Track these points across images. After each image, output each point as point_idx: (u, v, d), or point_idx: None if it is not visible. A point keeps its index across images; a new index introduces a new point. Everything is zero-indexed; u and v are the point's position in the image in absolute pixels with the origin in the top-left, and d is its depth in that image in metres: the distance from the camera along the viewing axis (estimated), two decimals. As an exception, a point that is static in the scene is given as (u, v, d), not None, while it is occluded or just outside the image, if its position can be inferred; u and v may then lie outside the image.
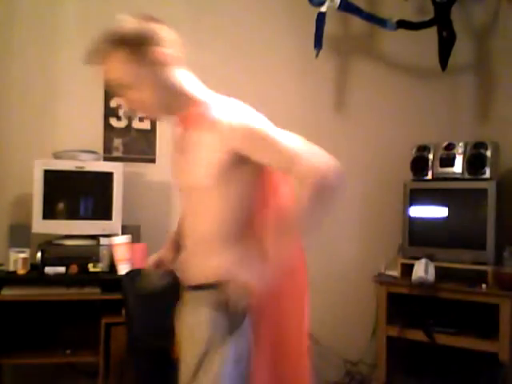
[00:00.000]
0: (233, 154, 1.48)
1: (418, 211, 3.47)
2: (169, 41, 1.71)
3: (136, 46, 1.58)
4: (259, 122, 1.53)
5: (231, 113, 1.55)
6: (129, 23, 1.68)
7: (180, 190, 1.66)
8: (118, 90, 1.58)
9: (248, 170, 1.53)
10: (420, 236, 3.47)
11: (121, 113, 3.56)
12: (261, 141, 1.47)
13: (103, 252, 3.14)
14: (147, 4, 3.64)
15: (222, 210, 1.52)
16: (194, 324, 1.58)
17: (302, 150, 1.46)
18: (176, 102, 1.60)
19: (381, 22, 3.59)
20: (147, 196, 3.57)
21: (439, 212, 3.43)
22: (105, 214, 3.22)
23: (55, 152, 3.25)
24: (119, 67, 1.58)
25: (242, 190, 1.53)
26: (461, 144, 3.41)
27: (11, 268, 3.05)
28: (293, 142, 1.48)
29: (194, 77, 1.70)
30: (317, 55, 3.45)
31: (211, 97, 1.64)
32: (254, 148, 1.48)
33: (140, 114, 1.65)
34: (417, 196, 3.50)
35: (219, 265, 1.53)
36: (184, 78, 1.65)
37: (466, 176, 3.34)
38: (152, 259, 1.91)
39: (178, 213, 3.71)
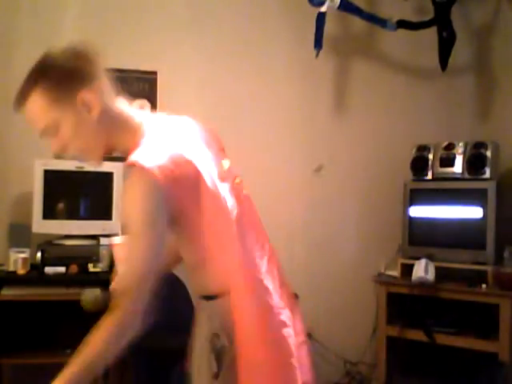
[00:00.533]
0: None
1: (418, 211, 3.47)
2: (89, 75, 1.51)
3: (64, 93, 1.42)
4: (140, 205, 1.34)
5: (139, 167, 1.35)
6: (54, 69, 1.48)
7: None
8: (51, 132, 1.43)
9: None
10: (420, 236, 3.47)
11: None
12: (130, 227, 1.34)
13: (103, 252, 3.14)
14: (146, 5, 3.65)
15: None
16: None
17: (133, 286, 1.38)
18: (111, 141, 1.51)
19: (381, 22, 3.59)
20: (147, 196, 3.57)
21: (439, 212, 3.43)
22: (105, 213, 3.22)
23: (55, 152, 3.24)
24: (42, 114, 1.42)
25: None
26: (461, 144, 3.41)
27: (11, 268, 3.04)
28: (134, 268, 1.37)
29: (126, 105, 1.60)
30: (317, 55, 3.45)
31: (143, 131, 1.50)
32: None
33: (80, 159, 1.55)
34: (417, 196, 3.50)
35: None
36: (115, 115, 1.54)
37: (466, 176, 3.35)
38: None
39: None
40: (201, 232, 1.45)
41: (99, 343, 1.40)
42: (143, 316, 1.40)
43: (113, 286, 1.49)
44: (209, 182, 1.45)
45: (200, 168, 1.43)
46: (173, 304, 2.84)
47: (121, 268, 1.44)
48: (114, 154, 1.60)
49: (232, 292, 1.44)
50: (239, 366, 1.42)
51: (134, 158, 1.35)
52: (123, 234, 1.43)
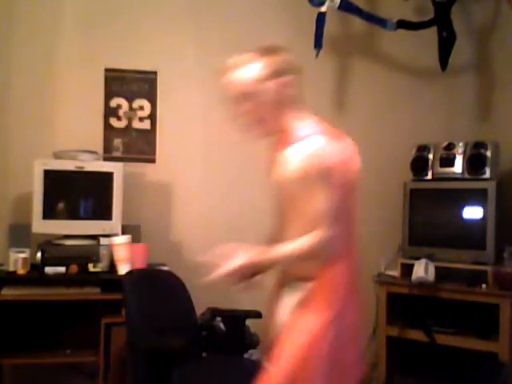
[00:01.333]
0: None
1: (418, 211, 3.47)
2: (294, 69, 1.83)
3: (274, 72, 1.77)
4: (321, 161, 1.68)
5: (308, 143, 1.70)
6: (277, 56, 1.83)
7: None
8: (239, 100, 1.75)
9: None
10: (420, 236, 3.47)
11: (121, 113, 3.57)
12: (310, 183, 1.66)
13: (103, 252, 3.14)
14: (146, 5, 3.65)
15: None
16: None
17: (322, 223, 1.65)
18: (282, 124, 1.78)
19: (381, 22, 3.59)
20: (147, 196, 3.57)
21: (439, 212, 3.43)
22: (105, 214, 3.22)
23: (55, 152, 3.25)
24: (254, 80, 1.75)
25: None
26: (461, 144, 3.41)
27: (11, 268, 3.04)
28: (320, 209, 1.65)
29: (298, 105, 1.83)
30: (317, 55, 3.45)
31: (305, 123, 1.80)
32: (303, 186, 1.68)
33: (246, 127, 1.80)
34: (417, 196, 3.50)
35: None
36: (295, 104, 1.81)
37: (466, 176, 3.34)
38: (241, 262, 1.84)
39: (177, 213, 3.72)
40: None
41: (298, 248, 1.67)
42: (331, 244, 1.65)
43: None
44: (354, 181, 1.77)
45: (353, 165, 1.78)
46: (173, 305, 2.85)
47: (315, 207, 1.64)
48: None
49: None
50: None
51: (310, 137, 1.68)
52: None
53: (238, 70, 1.76)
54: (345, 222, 1.74)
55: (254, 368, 2.62)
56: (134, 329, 2.58)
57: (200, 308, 3.02)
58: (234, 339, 2.99)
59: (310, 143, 1.68)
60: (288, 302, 1.79)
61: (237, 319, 3.00)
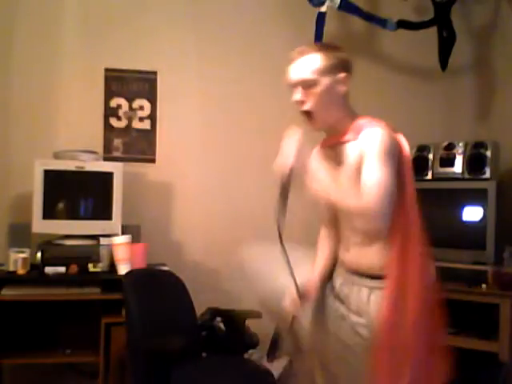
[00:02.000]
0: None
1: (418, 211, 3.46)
2: (351, 69, 1.96)
3: (333, 67, 1.86)
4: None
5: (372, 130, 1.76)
6: (337, 52, 1.92)
7: None
8: (300, 85, 1.81)
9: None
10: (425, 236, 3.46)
11: (121, 113, 3.57)
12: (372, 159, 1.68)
13: (103, 252, 3.14)
14: (146, 5, 3.65)
15: None
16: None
17: (377, 192, 1.64)
18: (336, 119, 1.86)
19: (381, 22, 3.59)
20: (147, 196, 3.57)
21: (439, 212, 3.43)
22: (105, 213, 3.22)
23: (55, 152, 3.25)
24: (316, 69, 1.82)
25: None
26: (461, 144, 3.41)
27: (11, 268, 3.04)
28: (380, 180, 1.65)
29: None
30: (317, 55, 3.45)
31: (360, 117, 1.88)
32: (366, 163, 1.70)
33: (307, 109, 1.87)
34: (417, 196, 3.49)
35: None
36: (348, 102, 1.93)
37: (466, 176, 3.34)
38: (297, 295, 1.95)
39: (177, 213, 3.72)
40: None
41: (348, 199, 1.68)
42: (381, 220, 1.64)
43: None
44: (410, 171, 1.81)
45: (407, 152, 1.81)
46: (173, 305, 2.85)
47: (369, 188, 1.64)
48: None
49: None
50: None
51: (372, 126, 1.74)
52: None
53: (301, 59, 1.84)
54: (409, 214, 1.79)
55: (254, 368, 2.64)
56: (133, 329, 2.59)
57: (200, 308, 3.02)
58: (233, 339, 2.99)
59: (380, 130, 1.73)
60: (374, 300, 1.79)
61: (237, 319, 3.00)
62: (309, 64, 1.82)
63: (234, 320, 3.00)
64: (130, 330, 2.60)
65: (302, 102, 1.84)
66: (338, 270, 1.98)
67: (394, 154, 1.71)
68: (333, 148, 1.86)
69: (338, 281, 1.95)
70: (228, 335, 3.00)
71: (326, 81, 1.81)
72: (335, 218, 1.95)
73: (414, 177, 1.84)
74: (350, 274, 1.89)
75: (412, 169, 1.83)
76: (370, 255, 1.81)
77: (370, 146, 1.69)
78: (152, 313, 2.66)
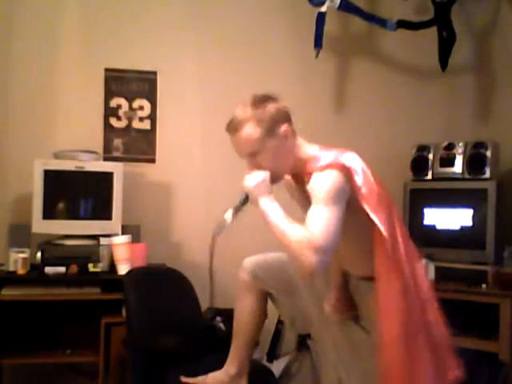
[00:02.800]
0: None
1: (418, 211, 3.47)
2: (288, 115, 1.90)
3: (271, 126, 1.82)
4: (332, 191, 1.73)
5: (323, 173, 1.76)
6: (267, 107, 1.86)
7: None
8: (248, 157, 1.85)
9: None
10: (420, 236, 3.46)
11: (121, 113, 3.57)
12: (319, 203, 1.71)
13: (103, 252, 3.14)
14: (146, 5, 3.65)
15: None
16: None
17: (319, 240, 1.64)
18: (294, 164, 1.87)
19: (381, 22, 3.59)
20: (147, 196, 3.57)
21: (439, 212, 3.43)
22: (105, 213, 3.22)
23: (55, 152, 3.25)
24: (254, 140, 1.81)
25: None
26: (461, 144, 3.41)
27: (11, 268, 3.04)
28: (324, 226, 1.67)
29: (300, 139, 1.93)
30: (317, 55, 3.45)
31: (316, 152, 1.88)
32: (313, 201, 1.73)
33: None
34: (417, 196, 3.50)
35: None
36: (298, 145, 1.89)
37: (466, 176, 3.34)
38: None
39: (177, 213, 3.72)
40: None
41: (290, 238, 1.68)
42: (321, 265, 1.64)
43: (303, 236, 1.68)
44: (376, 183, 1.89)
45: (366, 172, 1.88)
46: (176, 303, 2.86)
47: (313, 225, 1.67)
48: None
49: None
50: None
51: (324, 164, 1.77)
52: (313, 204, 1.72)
53: (238, 134, 1.82)
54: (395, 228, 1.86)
55: (255, 366, 2.64)
56: (132, 327, 2.60)
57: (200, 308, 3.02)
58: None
59: (329, 175, 1.75)
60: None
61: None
62: (246, 137, 1.81)
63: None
64: (129, 327, 2.61)
65: (260, 167, 1.85)
66: None
67: (340, 197, 1.72)
68: (298, 188, 1.92)
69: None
70: (228, 335, 3.00)
71: (269, 144, 1.81)
72: None
73: (382, 188, 1.96)
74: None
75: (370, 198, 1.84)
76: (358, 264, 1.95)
77: (315, 190, 1.72)
78: (152, 311, 2.67)
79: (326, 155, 1.83)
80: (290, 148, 1.85)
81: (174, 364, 2.49)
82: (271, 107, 1.84)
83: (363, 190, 1.79)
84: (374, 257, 1.80)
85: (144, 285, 2.77)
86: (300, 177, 1.87)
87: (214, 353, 2.90)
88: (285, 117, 1.86)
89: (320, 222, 1.66)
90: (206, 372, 2.40)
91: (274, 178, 1.84)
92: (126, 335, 2.66)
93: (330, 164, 1.76)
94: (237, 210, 1.86)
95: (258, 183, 1.79)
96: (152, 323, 2.62)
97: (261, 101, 1.86)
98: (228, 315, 3.04)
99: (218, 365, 2.55)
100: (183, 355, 2.55)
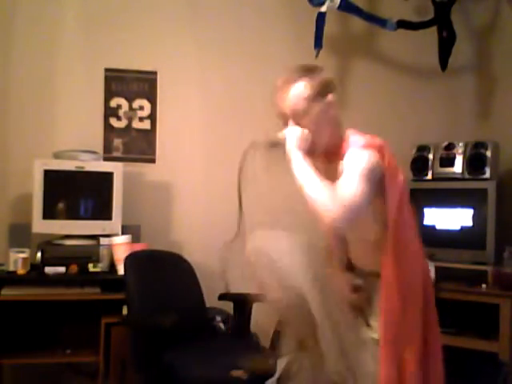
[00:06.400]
0: None
1: (418, 211, 3.47)
2: (335, 88, 1.94)
3: (321, 91, 1.86)
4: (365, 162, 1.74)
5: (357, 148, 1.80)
6: (318, 74, 1.93)
7: None
8: (295, 116, 1.83)
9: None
10: (420, 236, 3.46)
11: (121, 113, 3.57)
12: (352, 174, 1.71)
13: (103, 252, 3.14)
14: (146, 5, 3.65)
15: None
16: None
17: (347, 198, 1.65)
18: (332, 139, 1.87)
19: (381, 22, 3.59)
20: (147, 196, 3.57)
21: (439, 212, 3.43)
22: (105, 213, 3.22)
23: (55, 152, 3.25)
24: (303, 99, 1.83)
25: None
26: (461, 144, 3.41)
27: (11, 268, 3.04)
28: (353, 192, 1.66)
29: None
30: (317, 55, 3.45)
31: (351, 133, 1.92)
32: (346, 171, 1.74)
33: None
34: (417, 196, 3.49)
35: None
36: (337, 121, 1.92)
37: (466, 176, 3.34)
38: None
39: (177, 213, 3.71)
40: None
41: (316, 192, 1.68)
42: (342, 221, 1.63)
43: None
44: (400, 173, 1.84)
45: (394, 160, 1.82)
46: (176, 285, 2.92)
47: (343, 188, 1.67)
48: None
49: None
50: None
51: (362, 143, 1.80)
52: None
53: (288, 90, 1.85)
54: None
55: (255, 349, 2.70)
56: (131, 306, 2.70)
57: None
58: (241, 322, 3.03)
59: (366, 154, 1.77)
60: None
61: (244, 303, 3.02)
62: (297, 93, 1.83)
63: (242, 303, 3.02)
64: (129, 307, 2.72)
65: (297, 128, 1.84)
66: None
67: (373, 177, 1.71)
68: (325, 165, 1.89)
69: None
70: (237, 319, 3.08)
71: (317, 107, 1.83)
72: None
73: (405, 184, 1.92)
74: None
75: (398, 178, 1.86)
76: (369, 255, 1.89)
77: (351, 162, 1.74)
78: (152, 291, 2.77)
79: (361, 137, 1.87)
80: (332, 119, 1.87)
81: (173, 345, 2.53)
82: (322, 75, 1.90)
83: (391, 172, 1.80)
84: (382, 248, 1.80)
85: (144, 266, 2.85)
86: (334, 155, 1.85)
87: (213, 341, 2.95)
88: (332, 87, 1.90)
89: (350, 187, 1.65)
90: (202, 356, 2.48)
91: (311, 148, 1.82)
92: (127, 314, 2.75)
93: (368, 144, 1.80)
94: (272, 145, 1.86)
95: (298, 136, 1.79)
96: (151, 303, 2.71)
97: (313, 68, 1.92)
98: (236, 299, 3.06)
99: (216, 352, 2.61)
100: (182, 337, 2.60)
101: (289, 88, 1.84)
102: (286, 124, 1.86)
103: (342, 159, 1.80)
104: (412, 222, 1.93)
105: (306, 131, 1.80)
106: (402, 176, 1.86)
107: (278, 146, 1.81)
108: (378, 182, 1.73)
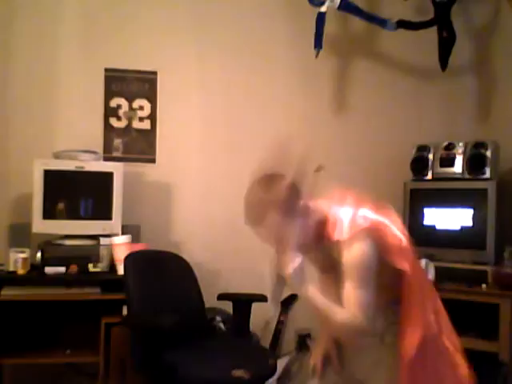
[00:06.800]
0: None
1: (418, 211, 3.47)
2: (299, 189, 1.83)
3: (289, 207, 1.79)
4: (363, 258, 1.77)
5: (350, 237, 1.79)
6: (278, 189, 1.80)
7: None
8: (275, 243, 1.81)
9: None
10: (420, 236, 3.45)
11: (121, 113, 3.57)
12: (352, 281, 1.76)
13: (103, 252, 3.14)
14: (146, 5, 3.65)
15: None
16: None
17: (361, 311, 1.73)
18: (317, 230, 1.85)
19: (381, 22, 3.59)
20: (147, 196, 3.57)
21: (439, 212, 3.43)
22: (105, 213, 3.22)
23: (55, 152, 3.25)
24: (279, 227, 1.79)
25: None
26: (461, 144, 3.41)
27: (11, 268, 3.04)
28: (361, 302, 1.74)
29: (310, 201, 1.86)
30: (317, 55, 3.45)
31: (331, 211, 1.87)
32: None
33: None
34: (417, 196, 3.49)
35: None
36: (314, 210, 1.85)
37: (466, 176, 3.34)
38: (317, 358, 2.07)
39: (177, 213, 3.71)
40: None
41: (332, 314, 1.75)
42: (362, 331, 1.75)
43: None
44: (397, 232, 1.90)
45: (389, 226, 1.86)
46: (176, 285, 2.92)
47: (353, 305, 1.74)
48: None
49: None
50: None
51: (346, 232, 1.78)
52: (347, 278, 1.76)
53: (261, 227, 1.82)
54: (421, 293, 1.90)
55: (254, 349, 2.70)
56: (131, 306, 2.70)
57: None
58: (240, 322, 3.04)
59: (357, 247, 1.77)
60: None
61: (243, 303, 3.06)
62: (270, 228, 1.80)
63: (241, 303, 3.07)
64: (129, 306, 2.72)
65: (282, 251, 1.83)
66: None
67: (371, 269, 1.75)
68: (317, 250, 1.91)
69: None
70: (236, 318, 3.09)
71: (293, 224, 1.79)
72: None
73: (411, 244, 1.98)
74: None
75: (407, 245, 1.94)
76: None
77: (348, 267, 1.75)
78: (152, 291, 2.77)
79: (343, 215, 1.83)
80: (311, 219, 1.83)
81: (173, 345, 2.54)
82: (282, 188, 1.79)
83: (390, 241, 1.83)
84: (402, 305, 1.84)
85: (144, 266, 2.86)
86: (321, 238, 1.86)
87: (213, 341, 2.96)
88: (298, 190, 1.80)
89: (358, 301, 1.73)
90: (203, 356, 2.48)
91: (305, 250, 1.84)
92: (126, 314, 2.76)
93: (355, 233, 1.77)
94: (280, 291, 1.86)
95: (296, 271, 1.77)
96: (151, 303, 2.72)
97: (269, 183, 1.83)
98: (235, 299, 3.09)
99: (216, 352, 2.61)
100: (182, 337, 2.60)
101: (261, 226, 1.81)
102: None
103: (333, 245, 1.81)
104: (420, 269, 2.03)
105: (296, 260, 1.78)
106: (405, 239, 1.93)
107: (284, 282, 1.81)
108: (377, 258, 1.77)
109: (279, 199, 1.77)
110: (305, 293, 1.78)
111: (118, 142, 3.56)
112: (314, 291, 1.79)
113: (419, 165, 3.49)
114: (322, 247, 1.87)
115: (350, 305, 1.74)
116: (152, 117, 3.61)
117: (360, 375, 1.95)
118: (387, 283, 1.83)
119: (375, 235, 1.77)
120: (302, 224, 1.80)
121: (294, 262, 1.77)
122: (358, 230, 1.76)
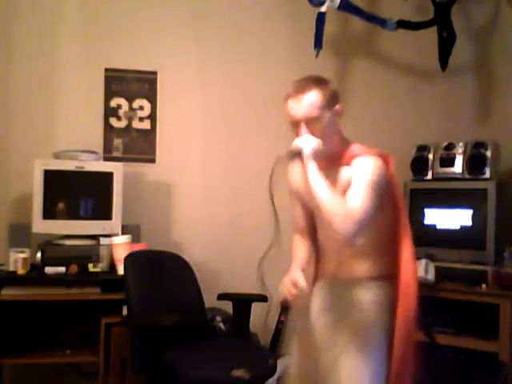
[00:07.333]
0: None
1: (418, 211, 3.47)
2: (339, 99, 2.02)
3: (331, 101, 1.95)
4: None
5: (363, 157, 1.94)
6: (328, 85, 2.00)
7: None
8: (308, 124, 1.90)
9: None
10: (420, 236, 3.46)
11: (121, 113, 3.57)
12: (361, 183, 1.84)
13: (103, 252, 3.14)
14: (146, 5, 3.65)
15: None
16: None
17: (358, 213, 1.78)
18: (338, 144, 1.99)
19: (381, 22, 3.59)
20: (147, 196, 3.57)
21: (439, 212, 3.43)
22: (105, 213, 3.22)
23: (55, 152, 3.25)
24: (316, 107, 1.90)
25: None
26: (461, 144, 3.41)
27: (11, 268, 3.04)
28: (363, 208, 1.79)
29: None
30: (317, 55, 3.45)
31: (353, 143, 2.03)
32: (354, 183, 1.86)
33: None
34: (417, 196, 3.49)
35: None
36: (340, 130, 2.02)
37: (466, 176, 3.34)
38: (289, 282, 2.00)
39: (177, 213, 3.72)
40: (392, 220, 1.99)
41: (330, 205, 1.78)
42: (354, 236, 1.79)
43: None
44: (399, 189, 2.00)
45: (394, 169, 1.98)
46: (176, 285, 2.92)
47: (354, 200, 1.80)
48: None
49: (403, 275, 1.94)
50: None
51: (363, 153, 1.94)
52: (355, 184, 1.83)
53: (302, 96, 1.91)
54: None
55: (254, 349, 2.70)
56: (131, 306, 2.70)
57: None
58: (240, 322, 3.05)
59: (372, 161, 1.92)
60: (362, 300, 1.97)
61: (243, 303, 3.07)
62: (311, 101, 1.90)
63: (241, 303, 3.08)
64: (129, 306, 2.72)
65: (314, 134, 1.92)
66: (320, 283, 2.09)
67: (380, 185, 1.85)
68: (326, 170, 1.93)
69: (321, 295, 2.07)
70: (236, 318, 3.10)
71: (327, 115, 1.92)
72: (313, 229, 2.11)
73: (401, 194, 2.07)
74: (338, 284, 2.03)
75: (398, 187, 2.03)
76: (365, 263, 1.99)
77: (359, 172, 1.85)
78: (152, 290, 2.78)
79: (363, 147, 1.99)
80: (338, 126, 1.99)
81: (173, 345, 2.54)
82: (331, 86, 1.98)
83: (395, 179, 1.96)
84: (399, 251, 1.98)
85: (144, 266, 2.86)
86: (335, 161, 1.95)
87: (213, 341, 2.96)
88: (339, 98, 2.00)
89: (360, 198, 1.78)
90: (203, 356, 2.51)
91: (320, 157, 1.89)
92: (126, 314, 2.77)
93: (375, 152, 1.95)
94: (293, 156, 1.90)
95: (313, 147, 1.86)
96: (151, 303, 2.73)
97: (323, 79, 1.99)
98: (235, 299, 3.10)
99: (216, 352, 2.61)
100: (182, 337, 2.60)
101: (302, 96, 1.91)
102: (297, 131, 1.91)
103: (342, 166, 1.93)
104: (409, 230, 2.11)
105: (319, 140, 1.88)
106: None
107: (297, 156, 1.87)
108: (383, 192, 1.86)
109: (326, 87, 1.95)
110: (309, 167, 1.82)
111: (118, 141, 3.56)
112: (318, 171, 1.82)
113: (419, 165, 3.49)
114: (331, 171, 1.91)
115: (353, 199, 1.79)
116: (152, 117, 3.61)
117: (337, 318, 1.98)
118: (381, 222, 1.92)
119: (386, 162, 1.94)
120: (331, 124, 1.93)
121: (315, 142, 1.86)
122: (373, 152, 1.93)
